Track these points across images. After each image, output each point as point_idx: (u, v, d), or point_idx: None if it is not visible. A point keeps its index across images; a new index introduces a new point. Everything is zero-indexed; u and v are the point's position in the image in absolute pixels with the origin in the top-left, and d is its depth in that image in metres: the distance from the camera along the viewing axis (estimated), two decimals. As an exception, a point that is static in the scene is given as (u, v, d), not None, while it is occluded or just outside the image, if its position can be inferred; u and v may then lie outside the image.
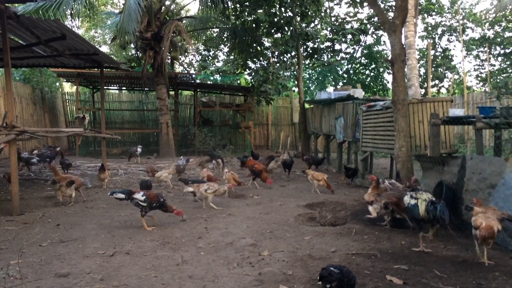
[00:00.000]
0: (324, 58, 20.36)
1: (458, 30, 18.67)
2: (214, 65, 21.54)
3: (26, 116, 14.20)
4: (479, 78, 21.16)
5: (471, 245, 4.14)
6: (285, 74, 16.05)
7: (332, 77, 20.17)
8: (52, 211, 6.06)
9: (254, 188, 8.17)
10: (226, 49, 20.37)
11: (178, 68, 21.06)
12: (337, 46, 20.34)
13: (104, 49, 22.38)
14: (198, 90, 18.25)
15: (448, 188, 5.27)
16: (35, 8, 9.53)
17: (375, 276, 3.52)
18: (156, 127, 16.77)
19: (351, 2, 18.24)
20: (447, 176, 5.64)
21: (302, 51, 16.70)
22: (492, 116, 5.40)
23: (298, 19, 15.47)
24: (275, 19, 14.70)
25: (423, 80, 19.47)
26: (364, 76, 20.59)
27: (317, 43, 18.33)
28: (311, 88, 20.23)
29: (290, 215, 5.86)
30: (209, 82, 19.24)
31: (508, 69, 19.18)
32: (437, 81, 21.03)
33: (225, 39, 17.00)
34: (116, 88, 19.76)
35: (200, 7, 14.50)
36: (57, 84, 18.62)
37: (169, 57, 15.63)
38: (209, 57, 22.30)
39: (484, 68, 20.59)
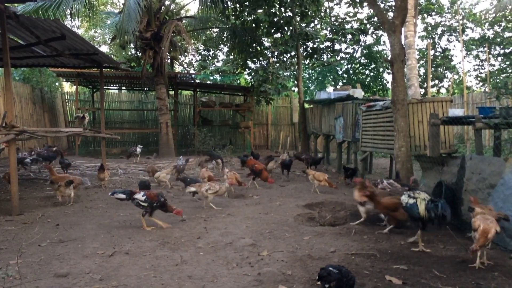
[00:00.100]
0: (323, 58, 20.36)
1: (458, 30, 18.67)
2: (213, 65, 21.54)
3: (25, 116, 14.18)
4: (478, 78, 21.18)
5: (470, 246, 4.13)
6: (284, 74, 16.03)
7: (331, 77, 20.16)
8: (52, 211, 6.06)
9: (253, 188, 8.17)
10: (225, 49, 20.39)
11: (178, 68, 21.06)
12: (336, 46, 20.36)
13: (104, 49, 22.38)
14: (197, 90, 18.25)
15: (448, 188, 5.27)
16: (34, 7, 9.51)
17: (374, 276, 3.52)
18: (156, 127, 16.76)
19: (351, 2, 18.23)
20: (446, 176, 5.64)
21: (301, 51, 16.69)
22: (492, 116, 5.41)
23: (298, 19, 15.46)
24: (275, 19, 14.70)
25: (422, 80, 19.48)
26: (363, 76, 20.59)
27: (316, 43, 18.33)
28: (311, 88, 20.21)
29: (289, 215, 5.86)
30: (208, 82, 19.25)
31: (507, 69, 19.16)
32: (436, 81, 21.05)
33: (224, 39, 16.98)
34: (115, 88, 19.75)
35: (200, 7, 14.54)
36: (57, 83, 18.64)
37: (169, 57, 15.65)
38: (209, 57, 22.31)
39: (484, 68, 20.59)
